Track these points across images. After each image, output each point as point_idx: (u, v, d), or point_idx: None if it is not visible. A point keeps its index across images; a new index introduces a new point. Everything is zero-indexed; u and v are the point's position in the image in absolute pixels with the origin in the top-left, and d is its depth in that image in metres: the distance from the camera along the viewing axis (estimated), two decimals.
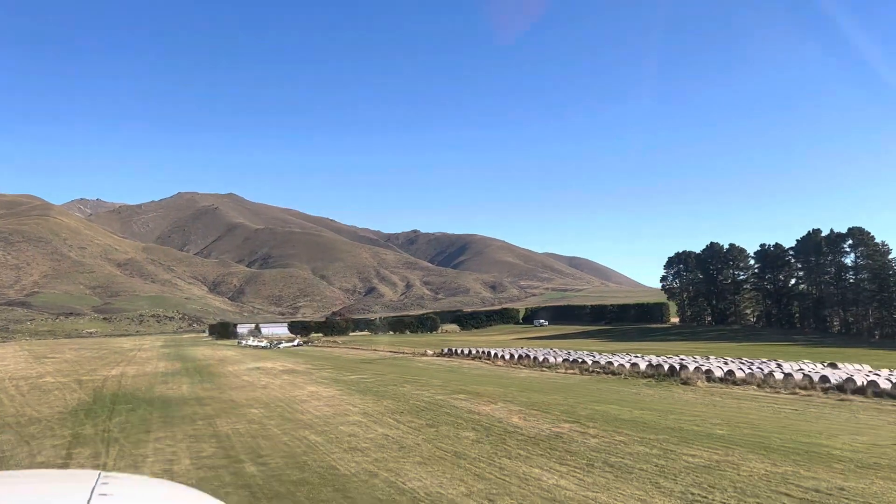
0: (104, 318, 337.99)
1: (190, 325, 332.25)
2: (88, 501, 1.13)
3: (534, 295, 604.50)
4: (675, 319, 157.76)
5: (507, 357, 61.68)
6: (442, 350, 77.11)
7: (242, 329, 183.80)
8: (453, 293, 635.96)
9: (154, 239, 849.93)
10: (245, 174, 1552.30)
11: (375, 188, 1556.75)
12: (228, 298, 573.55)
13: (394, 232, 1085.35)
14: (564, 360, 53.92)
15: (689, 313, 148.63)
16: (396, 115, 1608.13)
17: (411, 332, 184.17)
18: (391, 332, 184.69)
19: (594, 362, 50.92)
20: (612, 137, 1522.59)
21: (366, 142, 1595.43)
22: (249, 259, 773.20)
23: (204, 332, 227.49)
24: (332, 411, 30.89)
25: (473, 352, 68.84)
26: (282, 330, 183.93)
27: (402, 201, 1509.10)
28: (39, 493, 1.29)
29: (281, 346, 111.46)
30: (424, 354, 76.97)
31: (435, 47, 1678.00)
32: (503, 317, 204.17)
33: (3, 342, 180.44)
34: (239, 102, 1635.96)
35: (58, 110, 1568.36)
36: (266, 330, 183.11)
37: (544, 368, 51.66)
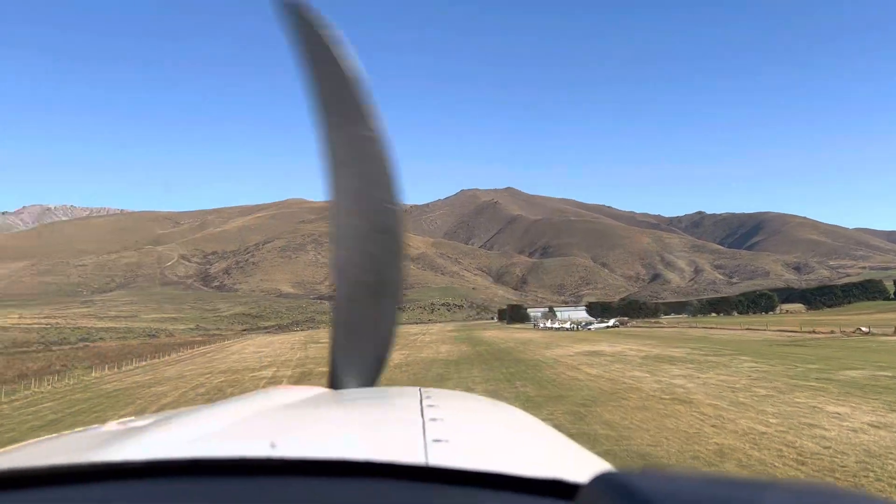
0: (399, 308, 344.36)
1: (478, 312, 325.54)
2: (421, 411, 1.23)
3: (847, 275, 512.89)
4: None
5: None
6: None
7: (535, 312, 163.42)
8: (750, 276, 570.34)
9: (441, 235, 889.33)
10: (521, 168, 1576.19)
11: (652, 171, 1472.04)
12: (512, 288, 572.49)
13: (675, 215, 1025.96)
14: None
15: None
16: (664, 96, 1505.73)
17: (739, 312, 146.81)
18: (713, 314, 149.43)
19: None
20: None
21: (638, 126, 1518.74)
22: (529, 249, 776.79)
23: (492, 318, 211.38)
24: None
25: None
26: (580, 313, 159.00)
27: (683, 182, 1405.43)
28: (386, 405, 1.48)
29: (591, 327, 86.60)
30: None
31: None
32: (865, 290, 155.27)
33: (301, 330, 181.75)
34: (511, 102, 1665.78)
35: None
36: (562, 313, 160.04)
37: None
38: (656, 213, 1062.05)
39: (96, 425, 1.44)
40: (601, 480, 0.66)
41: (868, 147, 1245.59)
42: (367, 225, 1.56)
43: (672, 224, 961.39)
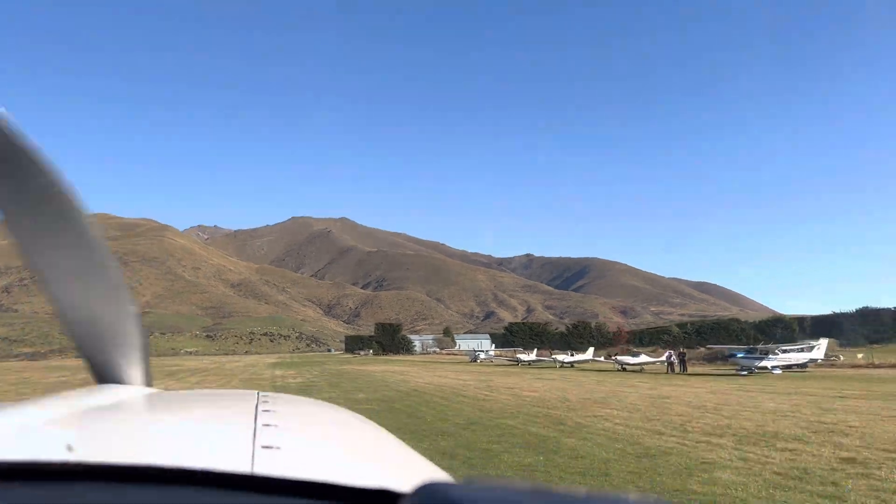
0: (207, 336, 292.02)
1: (308, 345, 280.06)
2: (255, 416, 1.16)
3: (671, 321, 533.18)
4: None
5: None
6: None
7: (423, 338, 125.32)
8: (580, 317, 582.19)
9: (269, 262, 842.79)
10: (356, 198, 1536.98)
11: (484, 212, 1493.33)
12: (344, 321, 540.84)
13: (506, 256, 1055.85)
14: None
15: None
16: (498, 142, 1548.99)
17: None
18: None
19: None
20: (730, 162, 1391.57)
21: (470, 166, 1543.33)
22: (363, 282, 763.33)
23: (329, 349, 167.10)
24: None
25: None
26: (481, 341, 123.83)
27: (513, 225, 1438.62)
28: (214, 408, 1.38)
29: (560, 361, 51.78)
30: None
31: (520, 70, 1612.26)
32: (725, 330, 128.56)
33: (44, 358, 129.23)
34: (349, 128, 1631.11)
35: (175, 143, 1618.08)
36: (465, 343, 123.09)
37: None
38: (487, 254, 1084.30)
39: None
40: (424, 490, 0.65)
41: (677, 201, 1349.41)
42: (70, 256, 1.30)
43: (503, 264, 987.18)
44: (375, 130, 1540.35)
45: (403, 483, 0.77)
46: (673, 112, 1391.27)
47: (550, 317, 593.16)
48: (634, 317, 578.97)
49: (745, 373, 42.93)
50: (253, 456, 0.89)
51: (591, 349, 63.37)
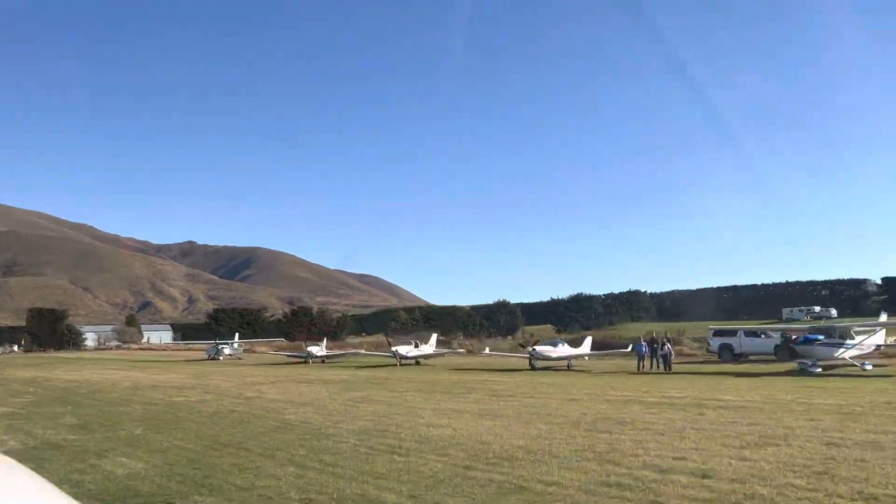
0: None
1: None
2: None
3: (339, 312, 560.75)
4: None
5: None
6: None
7: (104, 330, 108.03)
8: (247, 307, 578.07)
9: None
10: None
11: (139, 193, 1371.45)
12: None
13: (165, 243, 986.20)
14: None
15: None
16: (157, 118, 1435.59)
17: None
18: None
19: None
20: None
21: (125, 142, 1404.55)
22: None
23: None
24: None
25: None
26: (165, 334, 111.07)
27: (173, 209, 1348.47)
28: None
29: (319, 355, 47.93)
30: None
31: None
32: (451, 315, 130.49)
33: None
34: None
35: None
36: (156, 336, 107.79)
37: None
38: (144, 239, 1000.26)
39: None
40: None
41: (342, 192, 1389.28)
42: None
43: (161, 251, 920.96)
44: (10, 96, 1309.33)
45: None
46: (336, 105, 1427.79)
47: (214, 306, 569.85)
48: (302, 306, 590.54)
49: (818, 369, 26.94)
50: None
51: (435, 336, 48.93)
